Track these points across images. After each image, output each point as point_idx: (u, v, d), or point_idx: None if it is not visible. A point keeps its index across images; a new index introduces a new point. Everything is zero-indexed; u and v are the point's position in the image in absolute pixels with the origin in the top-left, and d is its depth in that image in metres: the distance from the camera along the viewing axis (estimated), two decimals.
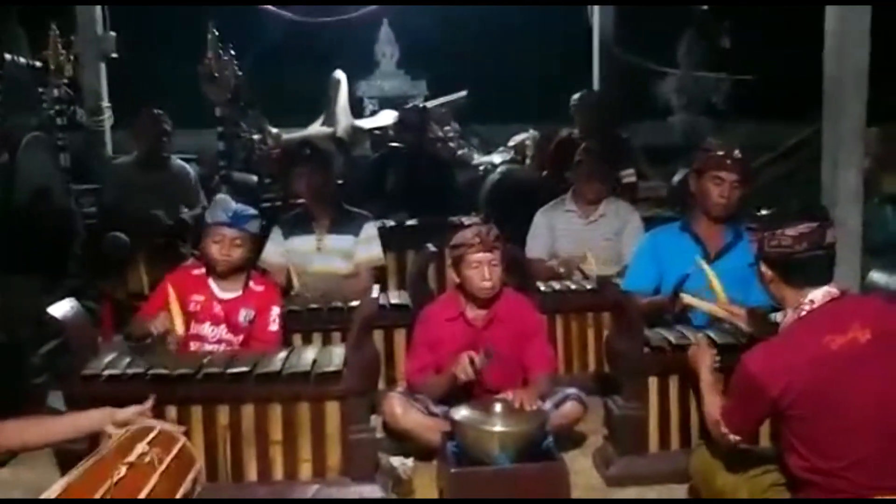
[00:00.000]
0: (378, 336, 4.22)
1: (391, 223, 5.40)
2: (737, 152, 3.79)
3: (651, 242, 4.01)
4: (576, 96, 6.65)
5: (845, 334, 2.53)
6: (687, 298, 3.51)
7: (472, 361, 3.51)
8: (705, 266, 3.57)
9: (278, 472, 3.32)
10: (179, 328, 3.70)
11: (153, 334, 3.68)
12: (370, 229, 4.78)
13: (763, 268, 2.74)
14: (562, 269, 4.81)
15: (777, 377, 2.54)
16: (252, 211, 3.91)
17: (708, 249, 3.81)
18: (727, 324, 3.43)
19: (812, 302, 2.63)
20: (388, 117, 8.11)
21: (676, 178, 6.44)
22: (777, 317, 3.01)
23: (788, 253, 2.65)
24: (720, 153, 3.78)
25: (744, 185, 3.79)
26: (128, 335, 4.11)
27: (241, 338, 3.83)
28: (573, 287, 4.62)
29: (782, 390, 2.53)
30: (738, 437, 2.74)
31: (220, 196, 4.02)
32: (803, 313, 2.64)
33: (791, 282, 2.68)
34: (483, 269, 3.66)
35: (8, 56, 5.12)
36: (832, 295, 2.63)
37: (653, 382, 3.47)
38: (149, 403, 2.77)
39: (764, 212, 2.79)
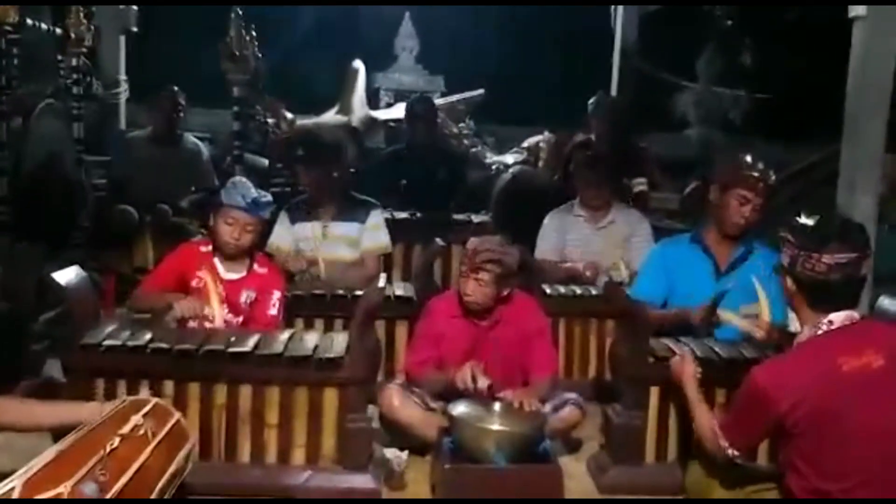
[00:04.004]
0: (380, 327, 4.19)
1: (401, 215, 5.37)
2: (771, 176, 3.70)
3: (660, 254, 3.98)
4: (593, 99, 6.62)
5: (859, 358, 2.49)
6: (725, 315, 3.45)
7: (474, 378, 3.47)
8: (760, 288, 3.44)
9: (272, 456, 3.30)
10: (219, 317, 3.69)
11: (172, 312, 3.62)
12: (376, 217, 4.76)
13: (789, 282, 2.65)
14: (588, 273, 4.71)
15: (786, 393, 2.50)
16: (269, 198, 3.90)
17: (718, 263, 3.78)
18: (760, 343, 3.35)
19: (831, 323, 2.58)
20: (403, 110, 8.09)
21: (688, 191, 6.43)
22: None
23: (821, 280, 2.56)
24: (754, 174, 3.67)
25: (764, 209, 3.72)
26: (133, 307, 4.04)
27: (241, 318, 3.82)
28: (578, 291, 4.59)
29: (790, 407, 2.49)
30: (736, 452, 2.70)
31: (239, 178, 3.98)
32: (819, 332, 2.59)
33: (815, 306, 2.61)
34: (467, 284, 3.69)
35: (29, 21, 5.09)
36: (852, 319, 2.58)
37: (654, 392, 3.44)
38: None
39: (803, 219, 2.62)
